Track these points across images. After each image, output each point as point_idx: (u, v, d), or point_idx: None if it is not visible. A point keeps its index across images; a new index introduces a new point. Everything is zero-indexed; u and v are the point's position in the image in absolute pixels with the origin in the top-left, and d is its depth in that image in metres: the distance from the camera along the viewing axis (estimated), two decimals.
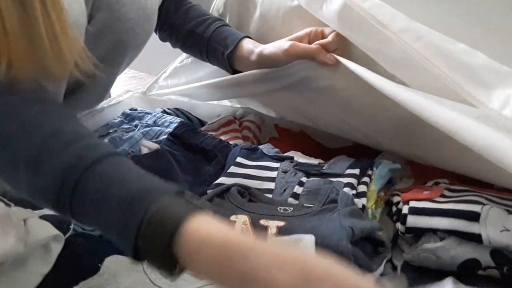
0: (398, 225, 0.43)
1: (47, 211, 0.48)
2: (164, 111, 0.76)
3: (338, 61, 0.49)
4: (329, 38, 0.51)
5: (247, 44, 0.59)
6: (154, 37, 0.71)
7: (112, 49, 0.52)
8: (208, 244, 0.25)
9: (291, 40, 0.54)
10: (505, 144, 0.31)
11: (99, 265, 0.38)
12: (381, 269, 0.41)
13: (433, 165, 0.52)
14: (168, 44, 0.70)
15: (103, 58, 0.54)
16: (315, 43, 0.51)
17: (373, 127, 0.55)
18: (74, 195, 0.29)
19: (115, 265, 0.38)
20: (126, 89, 0.88)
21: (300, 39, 0.54)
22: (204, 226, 0.26)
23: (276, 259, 0.24)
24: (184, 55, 0.80)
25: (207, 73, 0.76)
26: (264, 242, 0.26)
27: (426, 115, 0.36)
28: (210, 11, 0.70)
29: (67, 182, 0.29)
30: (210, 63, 0.66)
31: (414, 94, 0.39)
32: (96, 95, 0.63)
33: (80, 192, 0.29)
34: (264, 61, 0.56)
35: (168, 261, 0.26)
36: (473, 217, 0.38)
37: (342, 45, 0.50)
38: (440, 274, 0.39)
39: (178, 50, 0.72)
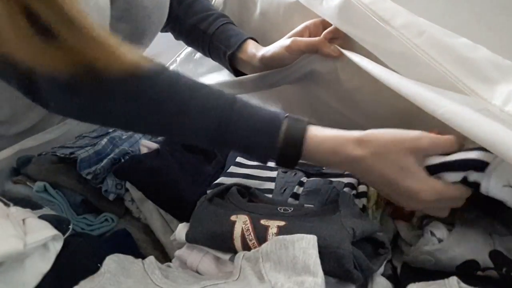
0: None
1: (46, 211, 0.48)
2: None
3: (342, 53, 0.49)
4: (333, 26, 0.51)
5: (250, 48, 0.59)
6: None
7: (128, 37, 0.53)
8: (323, 143, 0.40)
9: (291, 36, 0.54)
10: (510, 137, 0.31)
11: (99, 265, 0.38)
12: (381, 270, 0.41)
13: None
14: (168, 41, 0.70)
15: None
16: (323, 33, 0.51)
17: (376, 121, 0.54)
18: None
19: (116, 264, 0.38)
20: None
21: (300, 34, 0.54)
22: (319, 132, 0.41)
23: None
24: (184, 54, 0.80)
25: (206, 70, 0.76)
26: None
27: (430, 108, 0.36)
28: None
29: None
30: (212, 59, 0.66)
31: (418, 86, 0.39)
32: None
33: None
34: (268, 64, 0.56)
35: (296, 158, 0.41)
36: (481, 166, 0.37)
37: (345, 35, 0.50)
38: (440, 275, 0.39)
39: (177, 48, 0.72)
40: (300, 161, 0.41)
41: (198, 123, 0.41)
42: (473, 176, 0.35)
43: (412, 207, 0.40)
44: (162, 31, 0.70)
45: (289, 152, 0.40)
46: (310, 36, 0.53)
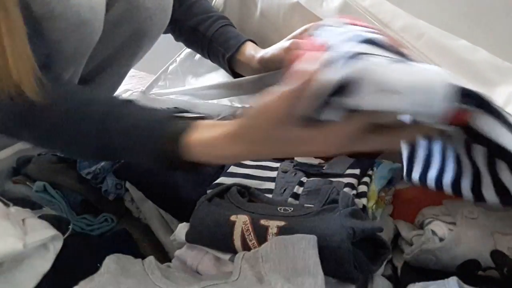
0: None
1: (46, 211, 0.48)
2: None
3: None
4: None
5: (249, 50, 0.59)
6: None
7: (130, 38, 0.53)
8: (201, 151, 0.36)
9: (290, 39, 0.54)
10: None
11: (98, 265, 0.38)
12: (381, 270, 0.41)
13: None
14: (168, 43, 0.70)
15: (121, 47, 0.55)
16: None
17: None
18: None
19: (116, 264, 0.38)
20: (126, 88, 0.87)
21: (299, 37, 0.54)
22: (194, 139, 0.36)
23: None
24: (183, 54, 0.80)
25: (205, 72, 0.76)
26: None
27: None
28: None
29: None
30: (211, 61, 0.66)
31: None
32: (109, 85, 0.64)
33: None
34: (266, 65, 0.56)
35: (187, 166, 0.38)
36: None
37: None
38: (440, 275, 0.39)
39: (177, 49, 0.72)
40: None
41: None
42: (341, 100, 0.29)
43: (333, 151, 0.34)
44: (162, 32, 0.70)
45: (174, 161, 0.37)
46: None
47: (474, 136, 0.28)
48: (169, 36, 0.70)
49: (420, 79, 0.26)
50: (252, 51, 0.58)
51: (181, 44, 0.72)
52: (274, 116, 0.32)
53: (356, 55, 0.27)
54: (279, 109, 0.32)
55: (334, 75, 0.27)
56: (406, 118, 0.29)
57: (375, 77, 0.26)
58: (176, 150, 0.36)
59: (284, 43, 0.54)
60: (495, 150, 0.27)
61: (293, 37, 0.54)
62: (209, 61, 0.67)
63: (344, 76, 0.27)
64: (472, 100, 0.26)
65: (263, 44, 0.60)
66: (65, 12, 0.42)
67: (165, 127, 0.37)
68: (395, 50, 0.30)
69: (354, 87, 0.27)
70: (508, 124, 0.27)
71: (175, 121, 0.37)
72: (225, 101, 0.85)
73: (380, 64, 0.27)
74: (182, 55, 0.81)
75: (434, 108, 0.26)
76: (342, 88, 0.27)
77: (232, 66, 0.61)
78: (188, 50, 0.81)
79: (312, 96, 0.29)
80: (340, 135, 0.31)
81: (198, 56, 0.79)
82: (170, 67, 0.83)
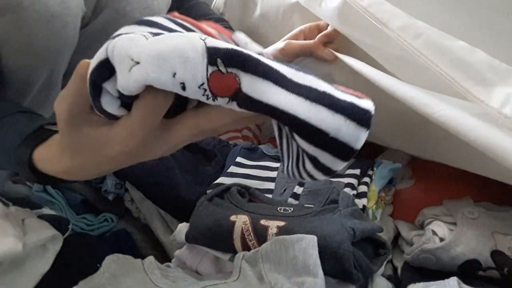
0: None
1: (45, 211, 0.48)
2: None
3: (336, 57, 0.49)
4: (330, 28, 0.51)
5: None
6: None
7: None
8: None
9: (285, 40, 0.54)
10: (507, 142, 0.31)
11: (98, 265, 0.38)
12: (381, 270, 0.41)
13: (436, 160, 0.52)
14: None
15: None
16: (318, 36, 0.51)
17: (373, 124, 0.54)
18: None
19: (115, 264, 0.38)
20: None
21: (295, 38, 0.54)
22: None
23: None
24: None
25: None
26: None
27: (427, 112, 0.36)
28: None
29: None
30: None
31: (414, 89, 0.39)
32: None
33: None
34: None
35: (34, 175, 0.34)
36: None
37: (342, 39, 0.50)
38: (440, 275, 0.39)
39: None
40: None
41: None
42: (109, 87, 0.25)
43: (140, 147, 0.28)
44: None
45: (33, 171, 0.34)
46: (305, 40, 0.53)
47: (249, 105, 0.24)
48: None
49: (170, 44, 0.22)
50: None
51: None
52: (62, 120, 0.28)
53: (118, 36, 0.24)
54: (62, 112, 0.27)
55: (95, 58, 0.24)
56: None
57: (122, 52, 0.23)
58: (30, 161, 0.33)
59: (278, 44, 0.54)
60: (274, 114, 0.23)
61: (289, 38, 0.54)
62: None
63: (98, 57, 0.24)
64: (234, 62, 0.22)
65: (263, 44, 0.59)
66: (34, 4, 0.41)
67: (25, 137, 0.34)
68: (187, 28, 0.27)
69: (111, 67, 0.24)
70: (285, 82, 0.23)
71: (40, 132, 0.35)
72: None
73: (132, 39, 0.23)
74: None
75: (190, 75, 0.22)
76: (104, 71, 0.24)
77: None
78: None
79: (82, 86, 0.25)
80: (134, 127, 0.26)
81: None
82: None
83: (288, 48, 0.53)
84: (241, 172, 0.54)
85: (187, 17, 0.29)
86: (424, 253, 0.41)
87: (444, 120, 0.34)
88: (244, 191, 0.48)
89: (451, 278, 0.35)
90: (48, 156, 0.32)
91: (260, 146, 0.60)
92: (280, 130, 0.28)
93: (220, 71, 0.23)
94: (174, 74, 0.22)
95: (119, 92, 0.24)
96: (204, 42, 0.23)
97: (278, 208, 0.43)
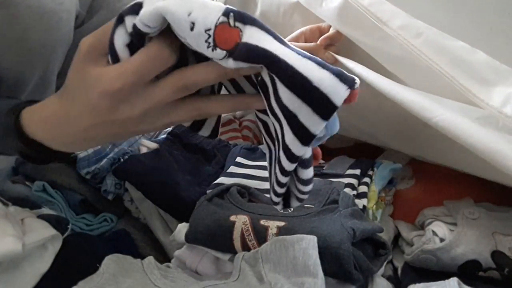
0: None
1: (45, 211, 0.48)
2: None
3: (336, 60, 0.49)
4: (332, 31, 0.50)
5: None
6: None
7: None
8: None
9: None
10: (507, 148, 0.31)
11: (98, 265, 0.38)
12: (381, 270, 0.41)
13: (436, 162, 0.52)
14: None
15: None
16: (320, 39, 0.51)
17: (374, 125, 0.54)
18: None
19: (115, 264, 0.38)
20: None
21: (296, 39, 0.54)
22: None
23: None
24: None
25: None
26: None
27: (426, 116, 0.36)
28: None
29: None
30: None
31: (414, 94, 0.39)
32: None
33: None
34: None
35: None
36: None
37: (343, 42, 0.50)
38: (440, 276, 0.39)
39: None
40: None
41: None
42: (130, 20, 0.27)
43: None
44: None
45: (20, 136, 0.33)
46: (305, 42, 0.53)
47: (244, 55, 0.26)
48: None
49: None
50: None
51: None
52: (81, 53, 0.29)
53: None
54: (85, 44, 0.29)
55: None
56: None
57: None
58: (17, 121, 0.33)
59: None
60: (266, 60, 0.25)
61: (289, 40, 0.54)
62: None
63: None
64: (244, 18, 0.26)
65: None
66: (26, 0, 0.41)
67: (11, 104, 0.34)
68: None
69: (140, 7, 0.26)
70: (284, 42, 0.26)
71: (26, 103, 0.34)
72: None
73: None
74: None
75: (203, 16, 0.25)
76: (134, 7, 0.26)
77: None
78: None
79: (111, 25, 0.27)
80: (127, 69, 0.26)
81: None
82: None
83: None
84: (241, 172, 0.54)
85: None
86: (424, 253, 0.41)
87: (443, 125, 0.34)
88: (244, 191, 0.48)
89: (452, 278, 0.35)
90: (34, 113, 0.32)
91: (260, 146, 0.60)
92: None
93: (229, 23, 0.25)
94: (190, 13, 0.25)
95: (133, 28, 0.26)
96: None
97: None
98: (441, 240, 0.41)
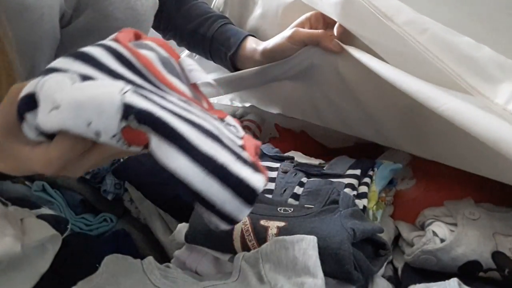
0: None
1: (44, 211, 0.48)
2: None
3: (343, 48, 0.49)
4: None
5: (250, 44, 0.59)
6: (156, 35, 0.71)
7: None
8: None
9: (292, 28, 0.54)
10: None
11: (97, 265, 0.38)
12: (381, 271, 0.40)
13: (437, 160, 0.52)
14: (171, 42, 0.70)
15: None
16: (335, 27, 0.50)
17: (377, 117, 0.54)
18: None
19: (114, 265, 0.38)
20: None
21: (301, 25, 0.54)
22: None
23: None
24: (184, 54, 0.79)
25: (207, 72, 0.76)
26: None
27: (432, 105, 0.35)
28: None
29: None
30: (214, 62, 0.66)
31: (420, 82, 0.38)
32: None
33: None
34: (269, 56, 0.56)
35: None
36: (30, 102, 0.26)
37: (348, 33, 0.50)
38: (441, 276, 0.39)
39: (178, 48, 0.71)
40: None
41: None
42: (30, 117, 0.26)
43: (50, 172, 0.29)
44: (165, 39, 0.70)
45: None
46: (311, 28, 0.53)
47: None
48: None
49: (90, 95, 0.24)
50: (254, 44, 0.58)
51: None
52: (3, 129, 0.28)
53: (52, 70, 0.26)
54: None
55: (26, 88, 0.26)
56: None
57: (47, 93, 0.25)
58: None
59: (286, 32, 0.54)
60: (173, 176, 0.25)
61: (295, 26, 0.54)
62: (211, 61, 0.67)
63: (28, 88, 0.25)
64: (145, 121, 0.24)
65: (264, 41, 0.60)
66: None
67: None
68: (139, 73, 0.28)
69: (35, 101, 0.25)
70: (189, 149, 0.25)
71: None
72: (226, 101, 0.85)
73: (59, 82, 0.25)
74: (182, 55, 0.81)
75: (103, 126, 0.24)
76: (29, 103, 0.25)
77: (235, 63, 0.61)
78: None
79: (11, 109, 0.27)
80: (52, 158, 0.27)
81: (198, 56, 0.79)
82: None
83: (296, 36, 0.52)
84: None
85: (131, 46, 0.29)
86: (424, 254, 0.41)
87: (450, 114, 0.34)
88: None
89: (452, 279, 0.35)
90: None
91: (260, 146, 0.60)
92: None
93: (131, 126, 0.24)
94: (90, 124, 0.24)
95: (37, 128, 0.26)
96: (123, 97, 0.24)
97: (278, 209, 0.43)
98: (442, 240, 0.41)
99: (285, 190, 0.50)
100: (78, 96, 0.24)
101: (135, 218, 0.56)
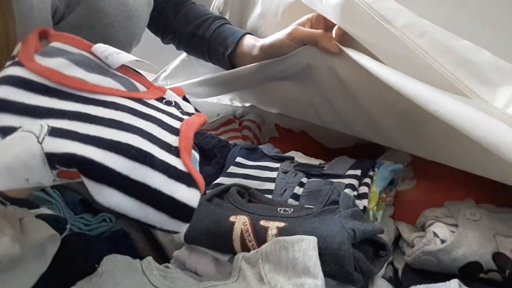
0: None
1: (43, 210, 0.47)
2: None
3: (341, 49, 0.49)
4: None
5: (248, 40, 0.59)
6: (154, 36, 0.71)
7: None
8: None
9: (293, 25, 0.54)
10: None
11: (96, 265, 0.38)
12: (382, 272, 0.40)
13: (437, 160, 0.52)
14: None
15: None
16: (334, 29, 0.50)
17: (376, 118, 0.54)
18: None
19: (113, 265, 0.38)
20: None
21: (302, 26, 0.54)
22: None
23: None
24: (184, 54, 0.79)
25: (207, 72, 0.76)
26: None
27: (432, 108, 0.35)
28: (211, 9, 0.70)
29: None
30: (213, 63, 0.66)
31: (419, 85, 0.38)
32: None
33: None
34: (267, 52, 0.56)
35: None
36: None
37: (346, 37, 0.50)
38: (441, 277, 0.39)
39: (177, 50, 0.71)
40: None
41: None
42: None
43: None
44: (164, 43, 0.70)
45: None
46: (311, 28, 0.53)
47: None
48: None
49: (12, 155, 0.24)
50: (252, 40, 0.59)
51: None
52: None
53: None
54: None
55: None
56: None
57: None
58: None
59: (286, 29, 0.54)
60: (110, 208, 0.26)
61: (296, 25, 0.54)
62: (209, 62, 0.67)
63: None
64: (70, 165, 0.25)
65: None
66: None
67: None
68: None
69: None
70: (120, 182, 0.25)
71: None
72: (226, 100, 0.85)
73: None
74: (183, 55, 0.81)
75: (40, 178, 0.25)
76: None
77: (233, 62, 0.61)
78: None
79: None
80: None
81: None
82: (171, 67, 0.82)
83: (295, 33, 0.53)
84: (240, 172, 0.54)
85: (38, 65, 0.29)
86: (425, 255, 0.41)
87: (449, 117, 0.34)
88: (244, 191, 0.48)
89: (452, 280, 0.34)
90: None
91: (260, 146, 0.60)
92: None
93: (63, 170, 0.25)
94: (27, 179, 0.25)
95: None
96: (42, 147, 0.25)
97: (278, 209, 0.43)
98: (442, 241, 0.41)
99: (285, 191, 0.50)
100: (3, 160, 0.24)
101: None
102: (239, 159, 0.56)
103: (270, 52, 0.56)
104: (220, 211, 0.42)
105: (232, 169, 0.54)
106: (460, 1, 0.45)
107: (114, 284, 0.36)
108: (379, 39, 0.43)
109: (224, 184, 0.49)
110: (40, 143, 0.25)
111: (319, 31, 0.51)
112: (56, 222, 0.43)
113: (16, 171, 0.24)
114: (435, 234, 0.42)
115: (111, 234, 0.52)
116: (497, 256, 0.39)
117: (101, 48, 0.33)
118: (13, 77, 0.28)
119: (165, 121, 0.31)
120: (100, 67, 0.32)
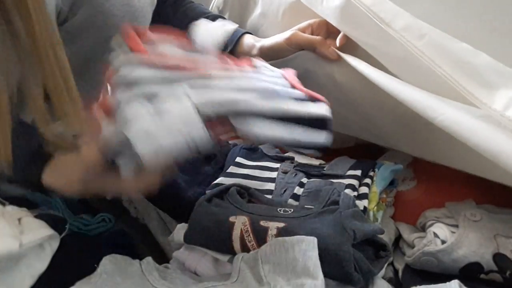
0: None
1: (42, 210, 0.47)
2: None
3: (339, 56, 0.49)
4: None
5: (248, 40, 0.59)
6: None
7: (97, 45, 0.51)
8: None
9: (293, 30, 0.54)
10: (510, 147, 0.31)
11: (95, 265, 0.38)
12: (382, 272, 0.40)
13: (438, 162, 0.52)
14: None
15: (89, 53, 0.53)
16: (338, 38, 0.51)
17: (376, 122, 0.54)
18: None
19: (113, 265, 0.38)
20: None
21: (302, 31, 0.54)
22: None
23: None
24: None
25: None
26: None
27: (430, 116, 0.36)
28: (210, 9, 0.70)
29: None
30: None
31: (417, 92, 0.38)
32: (85, 92, 0.63)
33: None
34: (265, 53, 0.56)
35: None
36: None
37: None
38: (442, 278, 0.39)
39: None
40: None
41: None
42: None
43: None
44: None
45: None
46: (312, 34, 0.53)
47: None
48: None
49: (175, 116, 0.31)
50: (252, 40, 0.58)
51: None
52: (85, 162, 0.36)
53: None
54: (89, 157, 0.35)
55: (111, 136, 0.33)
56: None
57: (140, 135, 0.31)
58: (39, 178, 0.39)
59: (285, 33, 0.54)
60: (260, 141, 0.33)
61: (297, 30, 0.54)
62: None
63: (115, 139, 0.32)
64: (223, 111, 0.32)
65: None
66: None
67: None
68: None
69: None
70: (263, 113, 0.32)
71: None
72: None
73: (147, 132, 0.31)
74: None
75: (196, 134, 0.31)
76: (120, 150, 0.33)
77: None
78: None
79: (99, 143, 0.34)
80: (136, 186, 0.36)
81: None
82: None
83: (294, 38, 0.53)
84: (240, 173, 0.53)
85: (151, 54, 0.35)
86: (425, 255, 0.41)
87: (447, 124, 0.34)
88: (244, 191, 0.48)
89: (453, 281, 0.34)
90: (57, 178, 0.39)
91: (260, 146, 0.60)
92: None
93: (212, 119, 0.32)
94: (188, 144, 0.31)
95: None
96: (192, 101, 0.31)
97: (278, 209, 0.43)
98: (443, 242, 0.41)
99: (285, 191, 0.49)
100: (165, 124, 0.30)
101: (134, 218, 0.56)
102: (239, 159, 0.56)
103: (269, 54, 0.56)
104: (219, 212, 0.42)
105: (232, 169, 0.54)
106: (459, 4, 0.45)
107: (114, 284, 0.36)
108: (378, 41, 0.43)
109: (224, 184, 0.49)
110: (189, 97, 0.31)
111: (318, 37, 0.51)
112: (55, 222, 0.43)
113: (176, 133, 0.30)
114: (436, 235, 0.42)
115: (110, 234, 0.52)
116: (498, 257, 0.39)
117: (196, 31, 0.47)
118: (138, 59, 0.35)
119: (270, 74, 0.38)
120: (200, 50, 0.40)
